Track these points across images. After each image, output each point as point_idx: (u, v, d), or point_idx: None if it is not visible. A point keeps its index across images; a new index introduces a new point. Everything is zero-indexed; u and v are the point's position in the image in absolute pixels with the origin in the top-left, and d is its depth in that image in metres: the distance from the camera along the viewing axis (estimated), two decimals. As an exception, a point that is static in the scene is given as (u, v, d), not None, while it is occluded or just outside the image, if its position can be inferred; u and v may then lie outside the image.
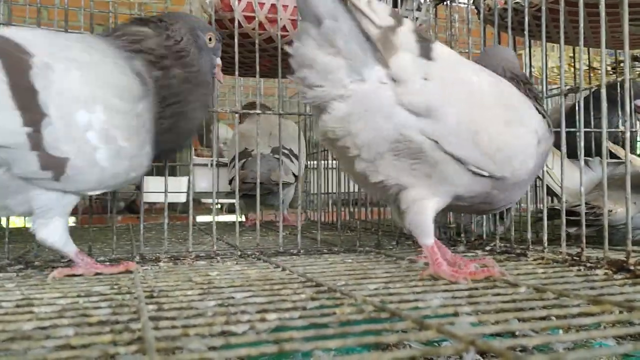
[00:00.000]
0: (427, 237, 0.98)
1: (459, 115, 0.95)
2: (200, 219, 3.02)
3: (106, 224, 2.48)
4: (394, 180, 0.98)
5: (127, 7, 2.92)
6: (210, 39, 1.16)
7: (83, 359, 0.51)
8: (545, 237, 1.21)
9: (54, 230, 1.01)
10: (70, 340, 0.56)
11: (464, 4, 1.55)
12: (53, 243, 1.01)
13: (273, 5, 1.38)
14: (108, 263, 1.07)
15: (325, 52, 0.93)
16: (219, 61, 1.20)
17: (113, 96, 0.99)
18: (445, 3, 1.55)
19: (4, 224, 1.81)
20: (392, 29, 0.93)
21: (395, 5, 1.47)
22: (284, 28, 1.40)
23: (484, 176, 0.98)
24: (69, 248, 1.03)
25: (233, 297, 0.79)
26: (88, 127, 0.96)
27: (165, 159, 1.25)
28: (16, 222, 2.62)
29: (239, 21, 1.36)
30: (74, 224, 2.80)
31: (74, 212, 2.83)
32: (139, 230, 1.34)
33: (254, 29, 1.38)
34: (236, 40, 1.33)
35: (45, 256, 1.28)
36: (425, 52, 0.95)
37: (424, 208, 0.98)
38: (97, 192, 1.05)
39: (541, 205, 1.28)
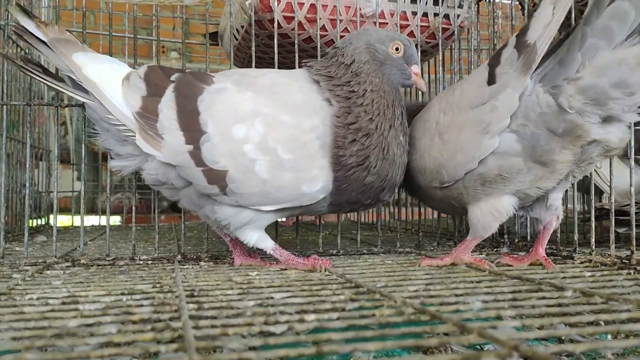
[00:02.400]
0: None
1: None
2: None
3: (150, 223, 2.53)
4: None
5: (170, 10, 2.97)
6: (397, 49, 1.12)
7: (125, 357, 0.51)
8: (593, 239, 1.17)
9: (250, 237, 1.11)
10: (113, 338, 0.56)
11: (507, 0, 1.51)
12: (254, 244, 1.12)
13: (312, 6, 1.37)
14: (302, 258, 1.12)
15: None
16: (415, 69, 1.15)
17: (279, 112, 1.04)
18: (488, 0, 1.51)
19: (52, 223, 1.87)
20: None
21: (435, 2, 1.45)
22: (323, 28, 1.39)
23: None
24: (266, 244, 1.12)
25: (272, 297, 0.79)
26: (245, 140, 1.02)
27: (347, 210, 1.19)
28: (65, 220, 2.72)
29: (278, 22, 1.36)
30: (119, 223, 2.88)
31: (119, 211, 2.91)
32: (181, 230, 1.36)
33: (293, 29, 1.38)
34: (275, 41, 1.33)
35: (91, 254, 1.32)
36: None
37: None
38: (270, 208, 1.07)
39: (586, 206, 1.24)
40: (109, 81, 1.05)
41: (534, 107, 1.00)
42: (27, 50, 1.74)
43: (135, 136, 1.04)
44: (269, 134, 1.03)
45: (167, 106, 1.04)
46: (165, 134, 1.03)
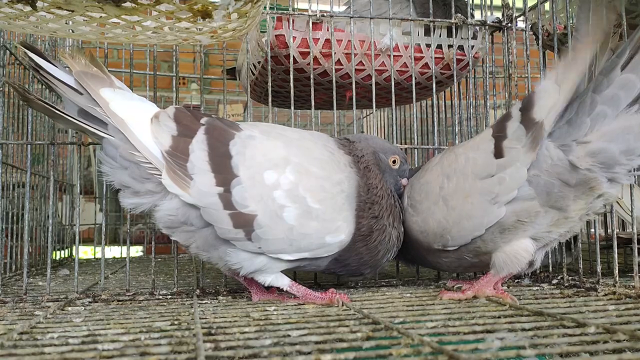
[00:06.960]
0: None
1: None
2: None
3: (171, 253, 2.54)
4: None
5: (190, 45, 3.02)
6: (394, 162, 1.20)
7: (141, 402, 0.52)
8: (617, 270, 1.15)
9: (265, 279, 1.10)
10: (130, 381, 0.57)
11: (522, 30, 1.51)
12: (270, 284, 1.11)
13: (327, 41, 1.40)
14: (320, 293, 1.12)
15: None
16: (404, 182, 1.23)
17: (309, 163, 1.07)
18: (502, 30, 1.52)
19: (74, 255, 1.90)
20: None
21: (449, 34, 1.46)
22: (338, 62, 1.41)
23: None
24: (282, 282, 1.11)
25: (289, 335, 0.79)
26: (276, 186, 1.03)
27: (341, 272, 1.19)
28: (87, 251, 2.75)
29: (294, 57, 1.39)
30: (141, 253, 2.90)
31: (141, 241, 2.93)
32: (200, 262, 1.37)
33: (308, 64, 1.41)
34: (291, 76, 1.35)
35: (111, 289, 1.33)
36: None
37: None
38: (290, 257, 1.07)
39: (609, 232, 1.22)
40: (136, 118, 1.05)
41: (546, 160, 1.03)
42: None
43: (160, 174, 1.04)
44: (300, 182, 1.04)
45: (199, 147, 1.04)
46: (196, 174, 1.03)
